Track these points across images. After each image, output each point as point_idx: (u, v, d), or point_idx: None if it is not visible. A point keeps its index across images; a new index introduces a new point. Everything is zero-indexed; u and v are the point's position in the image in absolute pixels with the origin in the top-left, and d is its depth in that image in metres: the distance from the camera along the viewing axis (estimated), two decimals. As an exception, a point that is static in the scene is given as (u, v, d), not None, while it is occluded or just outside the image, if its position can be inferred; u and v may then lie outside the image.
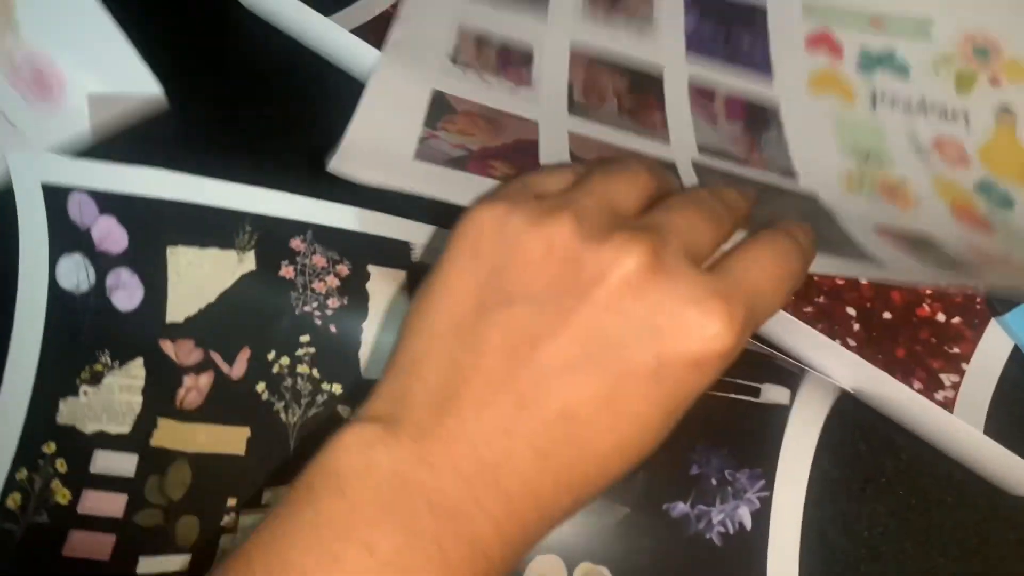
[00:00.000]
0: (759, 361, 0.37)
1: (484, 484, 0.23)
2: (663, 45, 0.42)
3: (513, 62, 0.41)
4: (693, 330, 0.25)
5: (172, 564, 0.37)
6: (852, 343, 0.37)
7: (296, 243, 0.39)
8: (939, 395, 0.36)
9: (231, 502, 0.38)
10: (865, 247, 0.35)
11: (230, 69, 0.45)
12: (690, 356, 0.25)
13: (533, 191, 0.29)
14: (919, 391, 0.36)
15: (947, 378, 0.37)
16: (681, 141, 0.40)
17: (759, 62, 0.42)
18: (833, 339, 0.37)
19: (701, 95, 0.41)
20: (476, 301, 0.26)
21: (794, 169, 0.39)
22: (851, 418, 0.37)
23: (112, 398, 0.39)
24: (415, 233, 0.39)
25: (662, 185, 0.31)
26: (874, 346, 0.37)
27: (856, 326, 0.38)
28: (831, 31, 0.42)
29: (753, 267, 0.27)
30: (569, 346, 0.24)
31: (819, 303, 0.38)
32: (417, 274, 0.39)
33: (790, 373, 0.37)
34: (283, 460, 0.39)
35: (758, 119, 0.41)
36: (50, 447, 0.39)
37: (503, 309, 0.25)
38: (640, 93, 0.41)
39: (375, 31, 0.41)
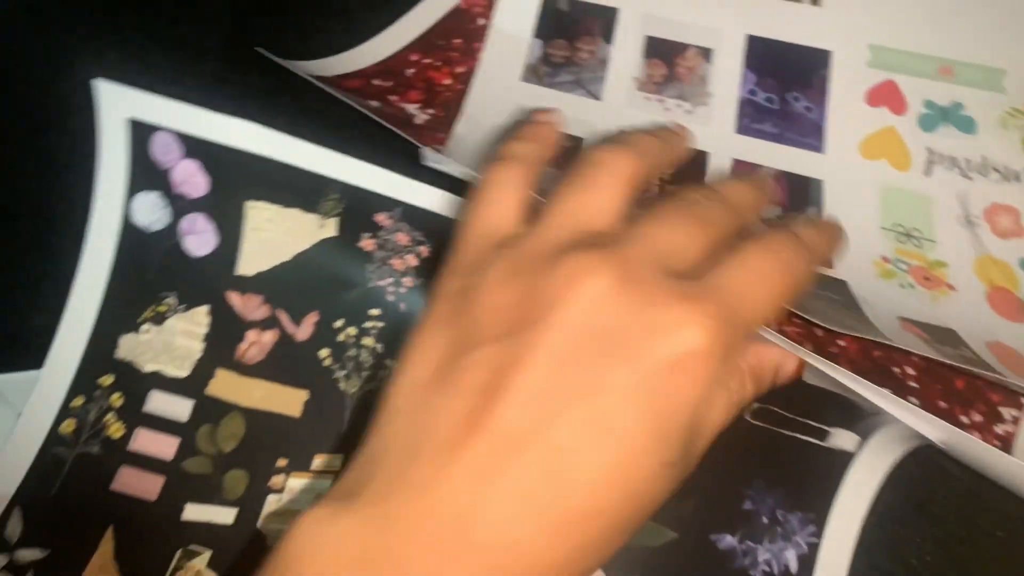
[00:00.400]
0: (833, 403, 0.36)
1: (454, 540, 0.22)
2: (713, 122, 0.42)
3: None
4: (662, 334, 0.23)
5: (218, 515, 0.38)
6: (911, 372, 0.37)
7: (381, 218, 0.39)
8: (999, 429, 0.36)
9: (281, 462, 0.38)
10: (887, 334, 0.34)
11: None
12: (665, 361, 0.23)
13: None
14: (978, 424, 0.36)
15: (1007, 412, 0.36)
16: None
17: (811, 131, 0.41)
18: (892, 367, 0.37)
19: (743, 175, 0.41)
20: (442, 357, 0.25)
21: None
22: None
23: (173, 340, 0.39)
24: None
25: (645, 182, 0.29)
26: (933, 376, 0.36)
27: (915, 356, 0.37)
28: (896, 81, 0.41)
29: (739, 267, 0.26)
30: (537, 375, 0.23)
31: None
32: None
33: (864, 418, 0.36)
34: (337, 429, 0.38)
35: (800, 198, 0.40)
36: (107, 380, 0.39)
37: (469, 354, 0.24)
38: (683, 176, 0.40)
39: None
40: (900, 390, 0.37)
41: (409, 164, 0.37)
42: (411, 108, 0.41)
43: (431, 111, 0.42)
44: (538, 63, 0.43)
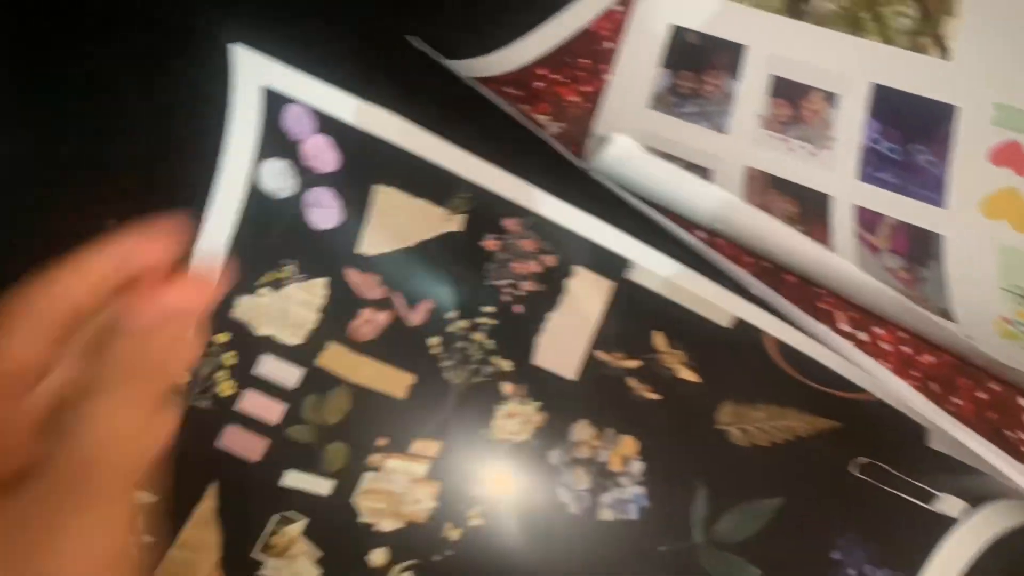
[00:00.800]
0: (946, 468, 0.36)
1: None
2: (836, 166, 0.41)
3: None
4: None
5: (316, 485, 0.39)
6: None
7: (509, 223, 0.38)
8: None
9: (381, 441, 0.39)
10: None
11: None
12: None
13: None
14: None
15: None
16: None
17: (932, 185, 0.41)
18: (1005, 430, 0.36)
19: (866, 222, 0.40)
20: None
21: (952, 310, 0.38)
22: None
23: (289, 308, 0.40)
24: (635, 252, 0.37)
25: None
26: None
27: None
28: (1020, 142, 0.41)
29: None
30: None
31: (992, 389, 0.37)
32: (623, 290, 0.38)
33: (974, 488, 0.36)
34: (438, 416, 0.39)
35: (920, 250, 0.40)
36: (222, 337, 0.40)
37: None
38: (808, 220, 0.40)
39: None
40: (1013, 454, 0.36)
41: (546, 177, 0.37)
42: (542, 119, 0.41)
43: (561, 124, 0.41)
44: (665, 92, 0.43)
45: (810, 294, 0.39)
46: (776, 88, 0.43)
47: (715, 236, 0.40)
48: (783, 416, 0.39)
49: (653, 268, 0.38)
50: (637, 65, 0.43)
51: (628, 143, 0.38)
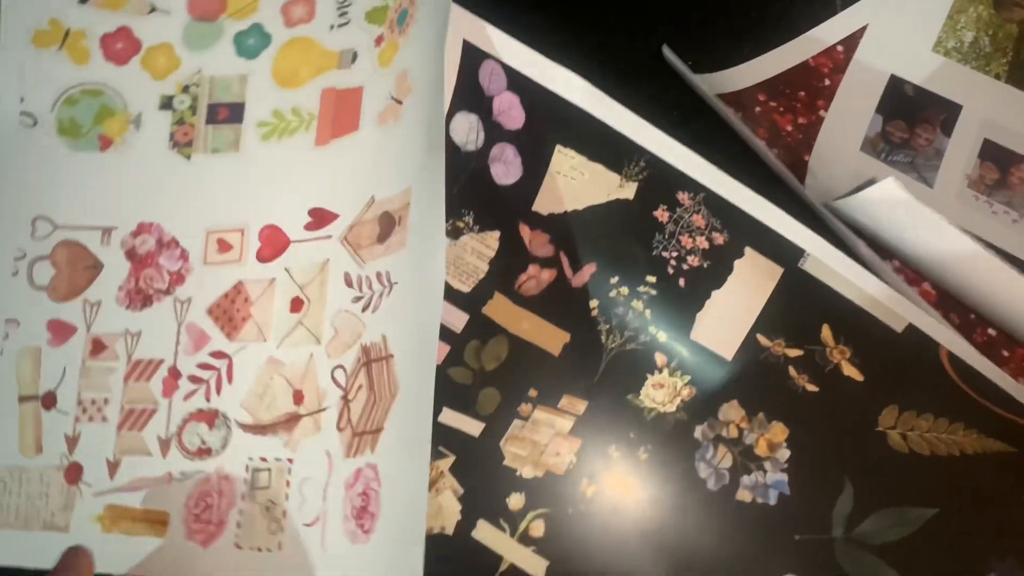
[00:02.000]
0: None
1: None
2: None
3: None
4: None
5: (468, 426, 0.41)
6: None
7: (683, 196, 0.38)
8: None
9: (532, 392, 0.41)
10: None
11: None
12: None
13: None
14: None
15: None
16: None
17: None
18: None
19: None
20: None
21: None
22: None
23: (463, 256, 0.42)
24: (813, 245, 0.37)
25: None
26: None
27: None
28: None
29: None
30: None
31: None
32: (793, 277, 0.37)
33: None
34: (588, 377, 0.40)
35: None
36: (396, 277, 0.42)
37: None
38: None
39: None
40: None
41: (724, 155, 0.37)
42: (758, 143, 0.41)
43: (774, 150, 0.41)
44: (876, 138, 0.43)
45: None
46: (986, 151, 0.42)
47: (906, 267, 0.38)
48: (951, 430, 0.37)
49: (830, 262, 0.37)
50: (853, 107, 0.43)
51: (894, 186, 0.36)
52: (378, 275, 0.40)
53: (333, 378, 0.40)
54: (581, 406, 0.40)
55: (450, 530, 0.40)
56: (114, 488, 0.43)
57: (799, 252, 0.38)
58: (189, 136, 0.44)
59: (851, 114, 0.43)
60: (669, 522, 0.39)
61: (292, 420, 0.41)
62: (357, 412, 0.39)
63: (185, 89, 0.45)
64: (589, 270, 0.40)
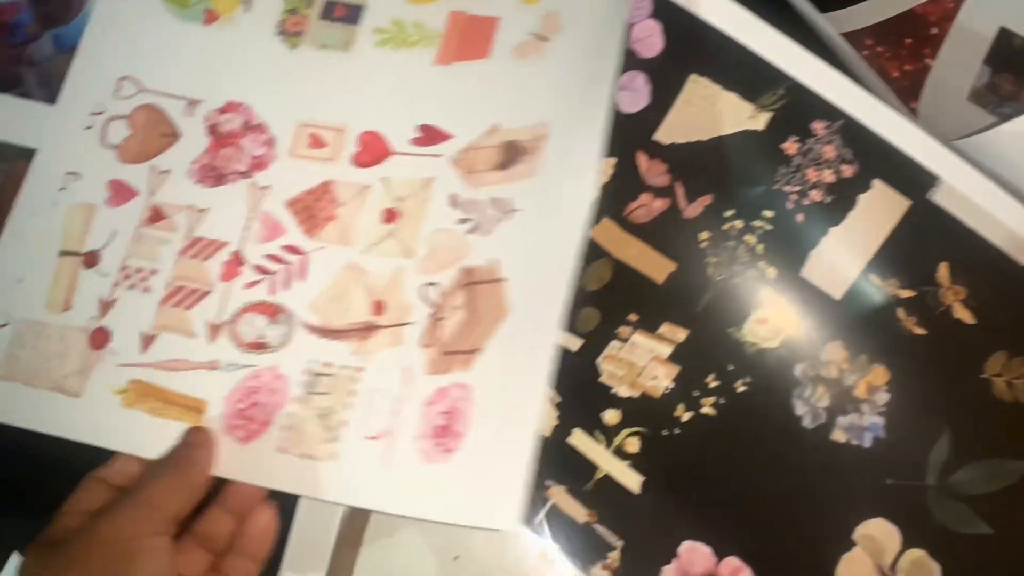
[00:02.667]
0: None
1: None
2: None
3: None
4: None
5: (567, 340, 0.39)
6: None
7: (817, 126, 0.39)
8: None
9: (632, 316, 0.39)
10: None
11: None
12: None
13: None
14: None
15: None
16: None
17: None
18: None
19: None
20: None
21: None
22: None
23: (574, 179, 0.41)
24: (950, 168, 0.38)
25: None
26: None
27: None
28: None
29: None
30: None
31: None
32: (919, 212, 0.38)
33: None
34: (691, 307, 0.39)
35: None
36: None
37: None
38: None
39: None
40: None
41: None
42: (880, 85, 0.43)
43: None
44: (984, 89, 0.45)
45: None
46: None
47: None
48: (1062, 380, 0.36)
49: (965, 189, 0.37)
50: (960, 57, 0.44)
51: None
52: (493, 201, 0.39)
53: (422, 295, 0.38)
54: (681, 334, 0.39)
55: (547, 433, 0.38)
56: (144, 362, 0.39)
57: (932, 181, 0.38)
58: (300, 27, 0.43)
59: (959, 64, 0.44)
60: (761, 455, 0.38)
61: (367, 329, 0.38)
62: (449, 331, 0.38)
63: (303, -18, 0.44)
64: (704, 202, 0.40)
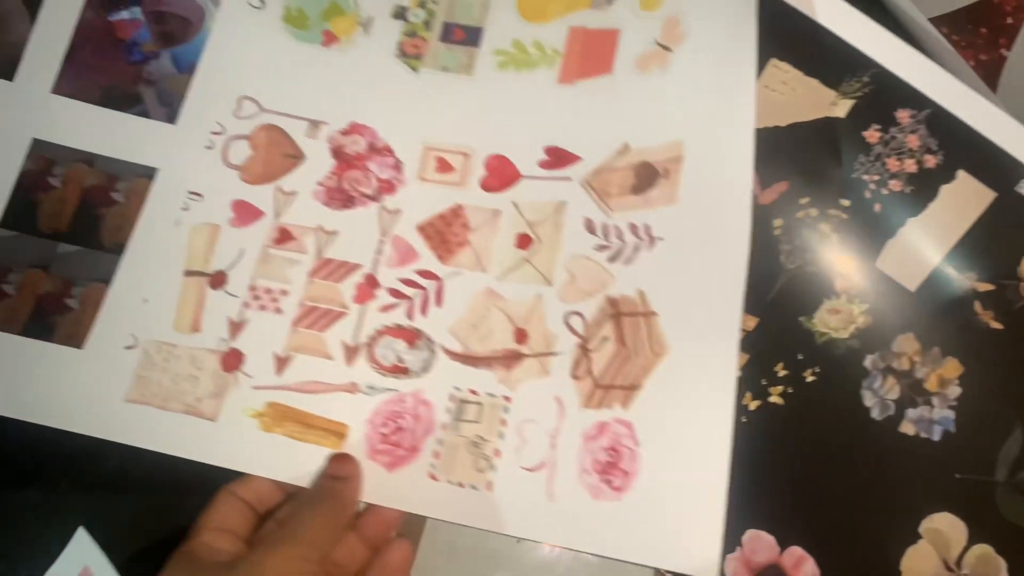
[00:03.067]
0: None
1: None
2: None
3: None
4: None
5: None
6: None
7: (902, 115, 0.39)
8: None
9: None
10: None
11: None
12: None
13: None
14: None
15: None
16: None
17: None
18: None
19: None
20: None
21: None
22: None
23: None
24: None
25: None
26: None
27: None
28: None
29: None
30: None
31: None
32: (1004, 204, 0.38)
33: None
34: (761, 296, 0.39)
35: None
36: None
37: None
38: None
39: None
40: None
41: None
42: (968, 70, 0.42)
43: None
44: None
45: None
46: None
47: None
48: None
49: None
50: None
51: None
52: (632, 227, 0.39)
53: (567, 323, 0.38)
54: (752, 322, 0.39)
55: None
56: (280, 385, 0.38)
57: (1021, 173, 0.38)
58: (419, 49, 0.43)
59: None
60: (828, 445, 0.37)
61: (511, 357, 0.38)
62: (602, 364, 0.37)
63: (421, 4, 0.44)
64: (779, 188, 0.39)
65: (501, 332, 0.38)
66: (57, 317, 0.38)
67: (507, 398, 0.37)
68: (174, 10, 0.42)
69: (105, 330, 0.38)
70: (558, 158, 0.41)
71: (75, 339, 0.38)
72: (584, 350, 0.37)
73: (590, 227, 0.39)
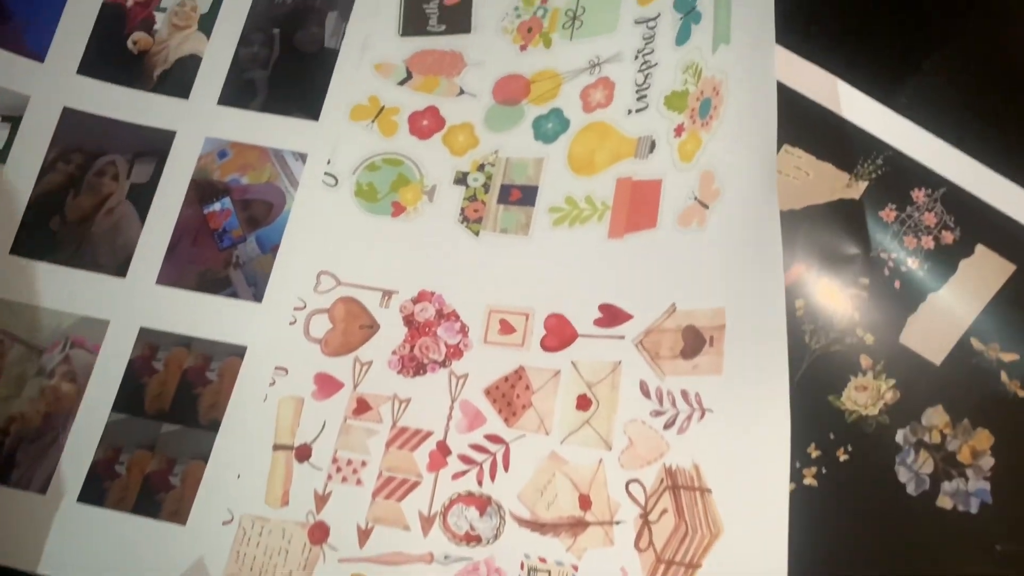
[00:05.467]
0: None
1: None
2: None
3: None
4: None
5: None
6: None
7: (918, 193, 0.39)
8: None
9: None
10: None
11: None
12: None
13: None
14: None
15: None
16: None
17: None
18: None
19: None
20: None
21: None
22: None
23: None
24: None
25: None
26: None
27: None
28: None
29: None
30: None
31: None
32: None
33: None
34: (790, 377, 0.37)
35: None
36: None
37: None
38: None
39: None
40: None
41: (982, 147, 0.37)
42: None
43: None
44: None
45: None
46: None
47: None
48: None
49: None
50: None
51: None
52: (683, 393, 0.39)
53: (628, 491, 0.38)
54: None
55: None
56: (364, 557, 0.39)
57: None
58: (479, 213, 0.45)
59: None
60: (866, 525, 0.37)
61: (577, 525, 0.38)
62: (663, 537, 0.37)
63: (480, 168, 0.45)
64: (798, 270, 0.39)
65: (566, 498, 0.39)
66: (163, 495, 0.41)
67: (575, 567, 0.37)
68: (259, 196, 0.45)
69: (204, 506, 0.41)
70: (612, 316, 0.42)
71: (179, 516, 0.41)
72: (645, 521, 0.37)
73: (644, 390, 0.39)
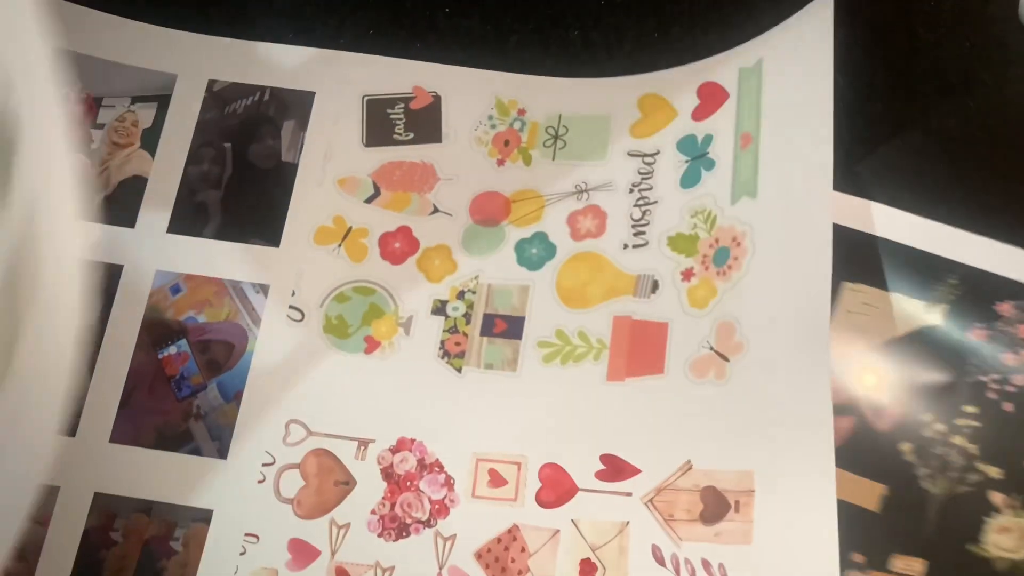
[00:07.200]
0: None
1: None
2: None
3: None
4: None
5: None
6: None
7: (1004, 307, 0.35)
8: None
9: (857, 557, 0.34)
10: None
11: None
12: None
13: None
14: None
15: None
16: None
17: None
18: None
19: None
20: None
21: None
22: None
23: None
24: None
25: None
26: None
27: None
28: None
29: None
30: None
31: None
32: None
33: None
34: (917, 529, 0.35)
35: None
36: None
37: None
38: None
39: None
40: None
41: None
42: None
43: None
44: None
45: None
46: None
47: None
48: None
49: None
50: None
51: None
52: (705, 563, 0.34)
53: None
54: (919, 565, 0.34)
55: None
56: None
57: None
58: (461, 347, 0.40)
59: None
60: None
61: None
62: None
63: (460, 295, 0.41)
64: (895, 411, 0.35)
65: None
66: None
67: None
68: (218, 337, 0.41)
69: None
70: (616, 469, 0.37)
71: None
72: None
73: (658, 556, 0.35)
